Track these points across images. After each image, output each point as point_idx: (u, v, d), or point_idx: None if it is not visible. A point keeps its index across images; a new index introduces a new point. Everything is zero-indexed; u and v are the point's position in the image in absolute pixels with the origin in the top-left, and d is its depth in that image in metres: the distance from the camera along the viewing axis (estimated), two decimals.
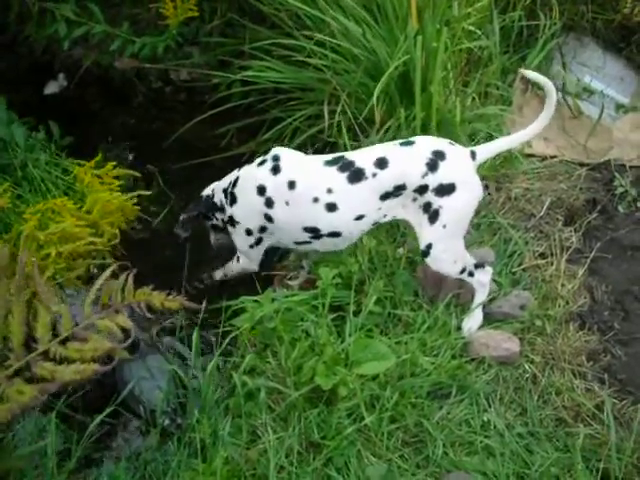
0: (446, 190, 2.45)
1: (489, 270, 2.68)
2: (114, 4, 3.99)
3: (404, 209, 2.53)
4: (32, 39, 3.98)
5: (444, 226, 2.48)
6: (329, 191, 2.50)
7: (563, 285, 2.86)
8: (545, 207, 3.24)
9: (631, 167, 3.50)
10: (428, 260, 2.56)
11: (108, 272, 1.99)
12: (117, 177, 2.88)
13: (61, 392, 2.54)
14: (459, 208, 2.50)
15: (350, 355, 2.42)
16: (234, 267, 2.92)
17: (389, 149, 2.54)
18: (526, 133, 2.65)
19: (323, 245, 2.65)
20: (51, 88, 4.41)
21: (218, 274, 3.03)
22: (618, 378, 2.59)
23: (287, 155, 2.64)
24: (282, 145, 3.42)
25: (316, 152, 3.44)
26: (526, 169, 3.40)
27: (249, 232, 2.68)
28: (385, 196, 2.49)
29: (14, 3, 3.75)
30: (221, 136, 3.83)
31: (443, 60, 3.16)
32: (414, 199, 2.49)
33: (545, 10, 3.81)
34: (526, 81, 3.76)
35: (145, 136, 4.06)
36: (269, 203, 2.57)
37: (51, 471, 2.24)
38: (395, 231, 2.99)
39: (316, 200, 2.51)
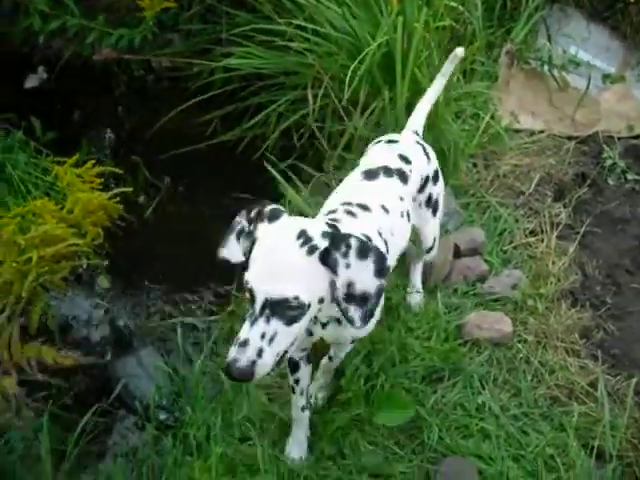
0: (434, 177, 2.36)
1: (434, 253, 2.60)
2: None
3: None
4: (8, 34, 3.91)
5: (439, 212, 2.43)
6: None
7: (554, 262, 2.85)
8: (534, 183, 3.22)
9: (619, 138, 3.49)
10: (432, 254, 2.52)
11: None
12: (100, 175, 2.81)
13: (51, 393, 2.54)
14: (442, 191, 2.44)
15: None
16: None
17: (386, 154, 2.27)
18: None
19: None
20: (31, 82, 4.34)
21: None
22: (611, 354, 2.57)
23: None
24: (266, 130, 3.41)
25: (301, 138, 3.42)
26: (514, 145, 3.38)
27: None
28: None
29: None
30: (206, 124, 3.74)
31: (426, 39, 3.11)
32: (414, 199, 2.26)
33: None
34: (512, 55, 3.72)
35: (129, 126, 4.02)
36: None
37: (48, 473, 2.23)
38: None
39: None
